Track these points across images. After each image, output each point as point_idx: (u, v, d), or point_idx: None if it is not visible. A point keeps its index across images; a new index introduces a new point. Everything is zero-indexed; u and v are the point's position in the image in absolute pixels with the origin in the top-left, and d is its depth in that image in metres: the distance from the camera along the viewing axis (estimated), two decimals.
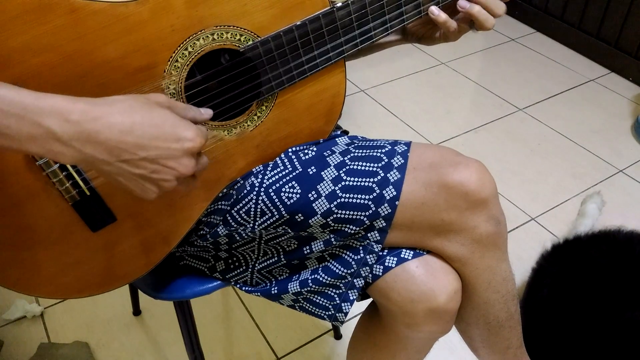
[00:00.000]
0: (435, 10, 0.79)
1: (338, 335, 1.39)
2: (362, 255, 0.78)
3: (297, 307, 0.85)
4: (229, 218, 0.79)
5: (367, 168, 0.77)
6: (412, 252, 0.79)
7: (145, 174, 0.59)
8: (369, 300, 0.89)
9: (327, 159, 0.79)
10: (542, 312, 1.28)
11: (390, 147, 0.79)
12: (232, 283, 0.87)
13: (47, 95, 0.54)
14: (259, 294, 0.85)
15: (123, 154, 0.57)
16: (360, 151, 0.79)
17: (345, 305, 0.81)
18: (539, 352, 1.18)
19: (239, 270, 0.86)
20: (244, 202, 0.78)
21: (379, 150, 0.79)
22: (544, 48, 2.60)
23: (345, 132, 0.93)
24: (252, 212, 0.78)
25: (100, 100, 0.57)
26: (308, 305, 0.83)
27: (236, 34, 0.71)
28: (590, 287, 1.27)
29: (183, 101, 0.72)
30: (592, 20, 2.46)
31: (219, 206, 0.81)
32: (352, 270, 0.79)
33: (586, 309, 1.23)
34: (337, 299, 0.81)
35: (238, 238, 0.81)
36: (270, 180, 0.78)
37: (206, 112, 0.68)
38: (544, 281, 1.34)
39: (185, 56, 0.69)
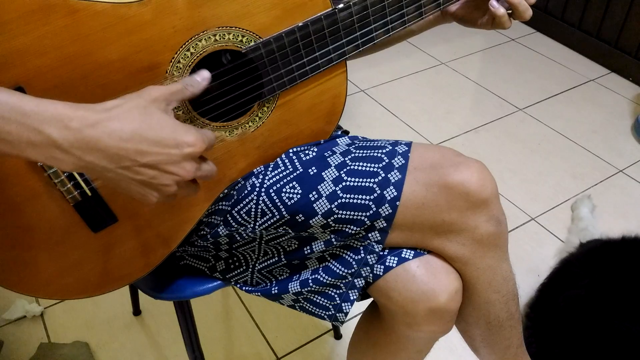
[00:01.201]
0: (495, 4, 0.82)
1: (338, 335, 1.39)
2: (362, 255, 0.78)
3: (297, 307, 0.85)
4: (229, 218, 0.79)
5: (367, 168, 0.77)
6: (412, 252, 0.79)
7: (146, 180, 0.59)
8: (369, 300, 0.89)
9: (328, 159, 0.79)
10: (577, 311, 1.27)
11: (390, 148, 0.79)
12: (232, 283, 0.87)
13: (48, 102, 0.54)
14: (259, 293, 0.85)
15: (123, 160, 0.57)
16: (361, 151, 0.79)
17: (345, 305, 0.81)
18: (567, 351, 1.18)
19: (239, 270, 0.86)
20: (244, 202, 0.78)
21: (380, 151, 0.79)
22: (544, 48, 2.60)
23: (346, 132, 0.93)
24: (252, 213, 0.78)
25: (99, 106, 0.56)
26: (308, 305, 0.83)
27: (238, 35, 0.71)
28: (633, 294, 1.26)
29: (185, 102, 0.72)
30: (592, 20, 2.46)
31: (220, 206, 0.81)
32: (353, 270, 0.79)
33: (628, 316, 1.22)
34: (337, 299, 0.81)
35: (239, 238, 0.81)
36: (271, 181, 0.78)
37: (202, 78, 0.66)
38: (583, 281, 1.32)
39: (188, 57, 0.69)
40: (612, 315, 1.22)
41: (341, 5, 0.73)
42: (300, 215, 0.76)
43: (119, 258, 0.77)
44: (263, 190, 0.78)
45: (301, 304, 0.84)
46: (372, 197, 0.75)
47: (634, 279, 1.28)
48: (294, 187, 0.77)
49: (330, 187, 0.76)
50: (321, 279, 0.80)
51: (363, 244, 0.78)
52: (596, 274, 1.32)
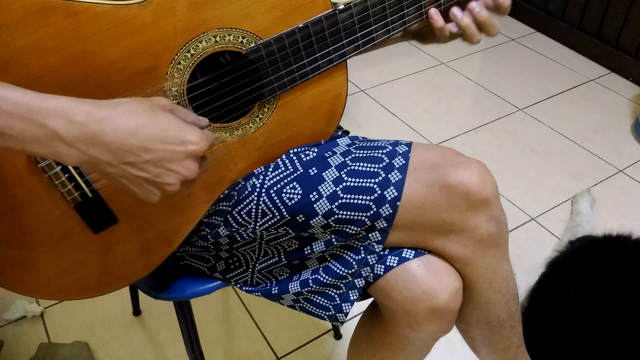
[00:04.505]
0: (434, 15, 0.80)
1: (338, 335, 1.39)
2: (363, 255, 0.78)
3: (297, 307, 0.85)
4: (230, 219, 0.79)
5: (368, 169, 0.77)
6: (413, 252, 0.79)
7: (149, 177, 0.59)
8: (369, 300, 0.89)
9: (328, 159, 0.79)
10: (567, 311, 1.27)
11: (391, 148, 0.79)
12: (233, 283, 0.87)
13: (51, 97, 0.54)
14: (259, 294, 0.86)
15: (127, 156, 0.57)
16: (361, 152, 0.80)
17: (345, 306, 0.81)
18: (561, 352, 1.18)
19: (239, 270, 0.86)
20: (245, 203, 0.78)
21: (380, 151, 0.79)
22: (544, 48, 2.60)
23: (346, 132, 0.93)
24: (253, 213, 0.78)
25: (104, 102, 0.57)
26: (308, 305, 0.83)
27: (238, 37, 0.71)
28: (622, 291, 1.26)
29: (185, 103, 0.72)
30: (592, 20, 2.46)
31: (220, 207, 0.81)
32: (353, 270, 0.79)
33: (618, 313, 1.22)
34: (337, 299, 0.81)
35: (239, 238, 0.81)
36: (272, 181, 0.78)
37: (203, 120, 0.69)
38: (571, 280, 1.32)
39: (188, 58, 0.69)
40: (603, 312, 1.23)
41: (341, 7, 0.73)
42: (301, 216, 0.76)
43: (120, 258, 0.77)
44: (263, 190, 0.78)
45: (301, 304, 0.84)
46: (372, 197, 0.75)
47: (619, 275, 1.29)
48: (294, 188, 0.77)
49: (331, 188, 0.76)
50: (321, 279, 0.80)
51: (363, 244, 0.78)
52: (583, 272, 1.33)
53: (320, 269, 0.81)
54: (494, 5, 0.80)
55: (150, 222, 0.77)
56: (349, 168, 0.77)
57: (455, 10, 0.80)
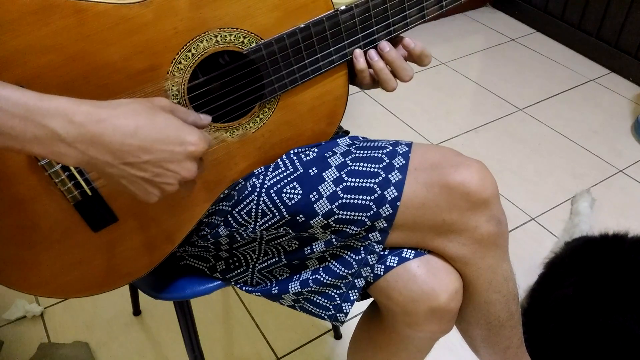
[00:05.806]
0: (358, 56, 0.78)
1: (338, 335, 1.39)
2: (363, 255, 0.78)
3: (297, 307, 0.85)
4: (230, 219, 0.79)
5: (368, 169, 0.77)
6: (413, 252, 0.79)
7: (148, 177, 0.59)
8: (370, 300, 0.89)
9: (329, 159, 0.79)
10: (567, 311, 1.28)
11: (391, 148, 0.79)
12: (233, 283, 0.87)
13: (51, 97, 0.54)
14: (259, 294, 0.86)
15: (126, 156, 0.57)
16: (362, 152, 0.80)
17: (345, 306, 0.81)
18: (561, 352, 1.18)
19: (239, 270, 0.86)
20: (245, 202, 0.78)
21: (380, 151, 0.79)
22: (544, 48, 2.60)
23: (346, 132, 0.93)
24: (253, 213, 0.78)
25: (104, 102, 0.57)
26: (308, 305, 0.83)
27: (239, 37, 0.71)
28: (621, 289, 1.26)
29: (186, 103, 0.72)
30: (592, 20, 2.46)
31: (220, 207, 0.81)
32: (353, 270, 0.79)
33: (617, 311, 1.22)
34: (337, 299, 0.81)
35: (239, 238, 0.81)
36: (272, 181, 0.78)
37: (205, 118, 0.69)
38: (569, 280, 1.33)
39: (189, 58, 0.69)
40: (602, 311, 1.23)
41: (343, 7, 0.73)
42: (301, 216, 0.76)
43: (119, 257, 0.77)
44: (264, 190, 0.78)
45: (301, 304, 0.84)
46: (372, 197, 0.75)
47: (617, 273, 1.30)
48: (294, 188, 0.77)
49: (331, 188, 0.76)
50: (321, 279, 0.80)
51: (363, 244, 0.78)
52: (582, 271, 1.33)
53: (321, 269, 0.81)
54: (407, 53, 0.79)
55: (150, 221, 0.77)
56: (349, 168, 0.77)
57: (372, 53, 0.78)
